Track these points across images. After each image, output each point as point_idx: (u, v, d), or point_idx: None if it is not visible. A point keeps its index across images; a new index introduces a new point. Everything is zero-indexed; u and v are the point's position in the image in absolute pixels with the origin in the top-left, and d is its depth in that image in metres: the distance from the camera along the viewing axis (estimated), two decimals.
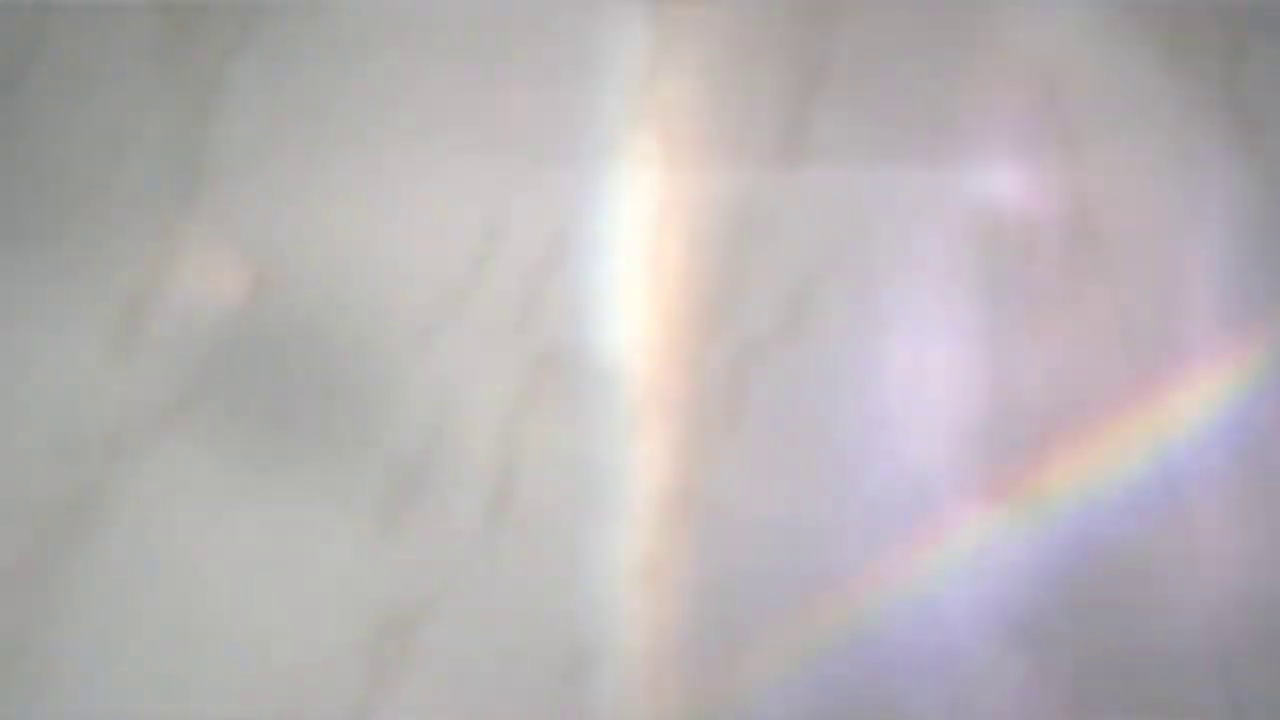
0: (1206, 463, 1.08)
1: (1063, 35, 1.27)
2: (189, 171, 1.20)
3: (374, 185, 1.19)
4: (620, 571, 1.03)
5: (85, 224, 1.17)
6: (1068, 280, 1.15)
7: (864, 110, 1.23)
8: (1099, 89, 1.24)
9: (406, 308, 1.14)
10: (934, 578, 1.05)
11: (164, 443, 1.07)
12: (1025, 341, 1.12)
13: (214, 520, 1.05)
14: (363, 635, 1.01)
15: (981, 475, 1.08)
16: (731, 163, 1.21)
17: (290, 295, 1.14)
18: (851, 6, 1.30)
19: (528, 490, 1.06)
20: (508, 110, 1.24)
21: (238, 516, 1.05)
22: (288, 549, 1.04)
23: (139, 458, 1.07)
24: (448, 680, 0.99)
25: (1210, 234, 1.17)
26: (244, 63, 1.26)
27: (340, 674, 0.99)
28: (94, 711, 0.98)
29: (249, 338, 1.12)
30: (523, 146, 1.22)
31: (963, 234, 1.17)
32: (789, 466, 1.07)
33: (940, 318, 1.14)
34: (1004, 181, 1.20)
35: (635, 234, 1.18)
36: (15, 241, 1.16)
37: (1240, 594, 1.03)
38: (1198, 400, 1.10)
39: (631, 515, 1.05)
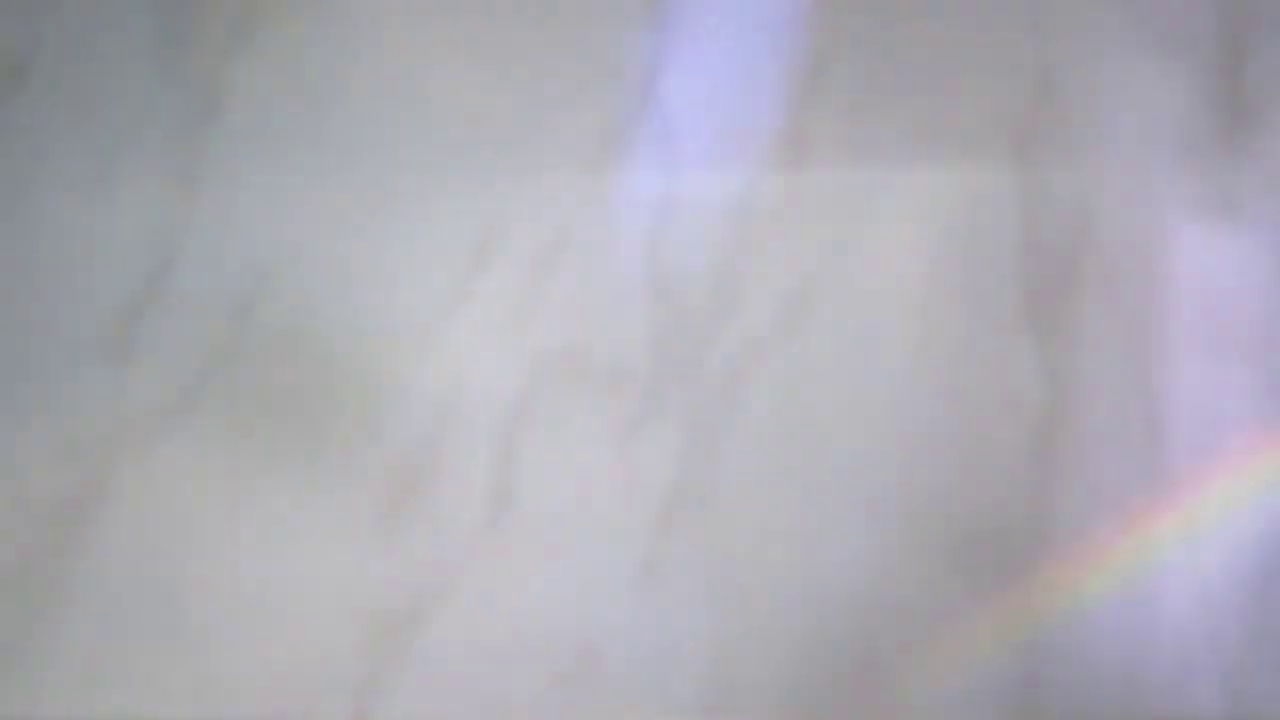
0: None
1: (1062, 34, 1.27)
2: (189, 171, 1.20)
3: (374, 185, 1.19)
4: (620, 572, 1.03)
5: (85, 224, 1.17)
6: (1067, 281, 1.15)
7: (864, 110, 1.23)
8: (1099, 89, 1.24)
9: (406, 308, 1.14)
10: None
11: (164, 443, 1.07)
12: (1024, 343, 1.12)
13: (214, 520, 1.05)
14: (362, 635, 1.01)
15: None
16: (731, 163, 1.21)
17: (290, 295, 1.14)
18: (853, 5, 1.30)
19: (528, 490, 1.06)
20: (508, 110, 1.24)
21: (238, 517, 1.05)
22: (288, 549, 1.04)
23: (139, 458, 1.07)
24: (447, 681, 0.99)
25: (1210, 234, 1.17)
26: (244, 63, 1.26)
27: (339, 674, 0.99)
28: (93, 711, 0.98)
29: (249, 338, 1.12)
30: (523, 146, 1.22)
31: (962, 234, 1.17)
32: (789, 466, 1.07)
33: (939, 318, 1.14)
34: (1003, 181, 1.20)
35: (635, 234, 1.18)
36: (14, 241, 1.16)
37: None
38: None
39: (631, 516, 1.05)
